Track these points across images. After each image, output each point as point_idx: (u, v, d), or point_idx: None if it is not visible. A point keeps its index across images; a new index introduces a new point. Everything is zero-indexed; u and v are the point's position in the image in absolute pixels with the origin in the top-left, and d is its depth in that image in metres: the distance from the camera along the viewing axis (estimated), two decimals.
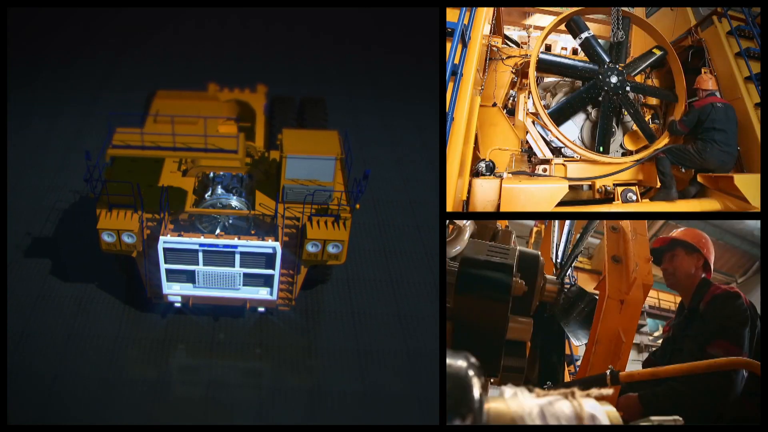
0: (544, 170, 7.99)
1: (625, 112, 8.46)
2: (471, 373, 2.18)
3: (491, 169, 7.48)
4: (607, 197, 7.87)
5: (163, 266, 7.59)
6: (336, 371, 8.01)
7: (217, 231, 7.72)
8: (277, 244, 7.43)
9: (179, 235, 7.45)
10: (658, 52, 8.40)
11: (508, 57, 8.83)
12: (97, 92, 13.84)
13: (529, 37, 11.07)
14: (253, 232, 7.76)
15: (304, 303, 8.73)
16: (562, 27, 8.75)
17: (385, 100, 14.20)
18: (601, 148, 8.07)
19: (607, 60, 8.23)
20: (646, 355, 12.05)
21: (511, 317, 3.69)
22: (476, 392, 2.13)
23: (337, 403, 7.62)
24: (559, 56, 9.51)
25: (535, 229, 8.51)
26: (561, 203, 7.08)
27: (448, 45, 6.21)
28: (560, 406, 2.26)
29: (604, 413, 2.30)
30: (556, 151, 8.45)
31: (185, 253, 7.53)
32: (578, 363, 6.83)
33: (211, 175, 8.32)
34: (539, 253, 4.24)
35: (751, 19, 8.12)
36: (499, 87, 8.59)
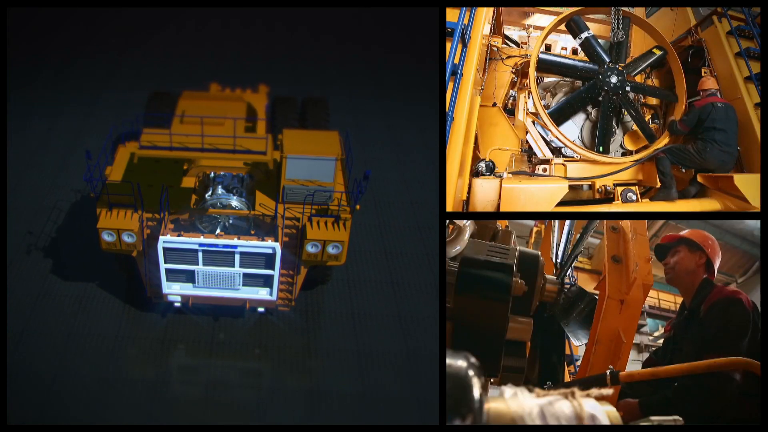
0: (544, 170, 7.98)
1: (625, 112, 8.46)
2: (471, 373, 2.18)
3: (491, 169, 7.47)
4: (607, 197, 7.86)
5: (163, 266, 7.59)
6: (336, 372, 8.00)
7: (217, 231, 7.72)
8: (277, 245, 7.43)
9: (179, 235, 7.46)
10: (658, 52, 8.40)
11: (508, 57, 8.83)
12: (98, 92, 13.84)
13: (529, 37, 11.07)
14: (253, 232, 7.76)
15: (304, 303, 8.73)
16: (562, 27, 8.75)
17: (386, 100, 14.20)
18: (601, 148, 8.07)
19: (607, 60, 8.23)
20: (646, 355, 12.07)
21: (511, 317, 3.68)
22: (476, 392, 2.13)
23: (337, 404, 7.62)
24: (559, 56, 9.51)
25: (535, 229, 8.51)
26: (561, 203, 7.08)
27: (448, 45, 6.21)
28: (560, 406, 2.26)
29: (604, 413, 2.31)
30: (556, 151, 8.45)
31: (185, 253, 7.53)
32: (578, 363, 6.83)
33: (212, 175, 8.32)
34: (539, 253, 4.24)
35: (751, 19, 8.12)
36: (499, 87, 8.59)
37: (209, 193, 8.11)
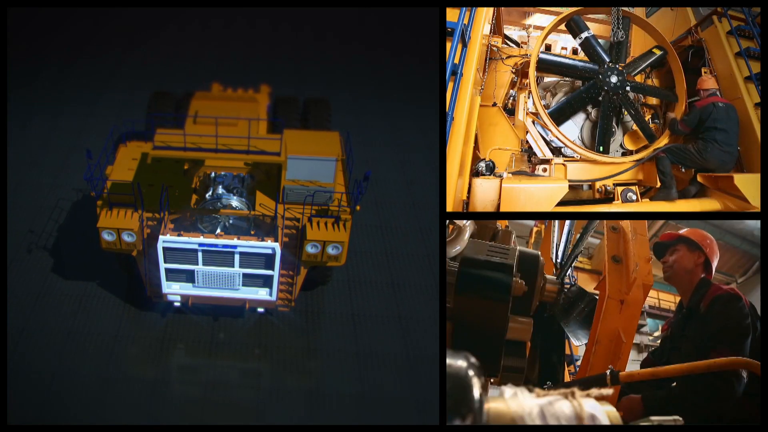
0: (544, 170, 7.98)
1: (625, 112, 8.46)
2: (471, 373, 2.18)
3: (491, 169, 7.47)
4: (607, 197, 7.86)
5: (163, 266, 7.59)
6: (336, 372, 8.00)
7: (217, 231, 7.72)
8: (277, 245, 7.43)
9: (179, 235, 7.46)
10: (658, 52, 8.40)
11: (508, 57, 8.83)
12: (98, 92, 13.84)
13: (529, 37, 11.07)
14: (252, 232, 7.76)
15: (304, 304, 8.73)
16: (562, 27, 8.75)
17: (388, 101, 14.19)
18: (601, 148, 8.07)
19: (607, 60, 8.23)
20: (646, 355, 12.07)
21: (511, 317, 3.69)
22: (476, 392, 2.13)
23: (337, 404, 7.62)
24: (559, 56, 9.50)
25: (535, 229, 8.50)
26: (561, 203, 7.07)
27: (448, 45, 6.21)
28: (560, 406, 2.26)
29: (604, 413, 2.30)
30: (556, 151, 8.45)
31: (185, 253, 7.53)
32: (578, 363, 6.83)
33: (212, 174, 8.32)
34: (539, 253, 4.24)
35: (751, 19, 8.12)
36: (499, 87, 8.59)
37: (209, 193, 8.12)
